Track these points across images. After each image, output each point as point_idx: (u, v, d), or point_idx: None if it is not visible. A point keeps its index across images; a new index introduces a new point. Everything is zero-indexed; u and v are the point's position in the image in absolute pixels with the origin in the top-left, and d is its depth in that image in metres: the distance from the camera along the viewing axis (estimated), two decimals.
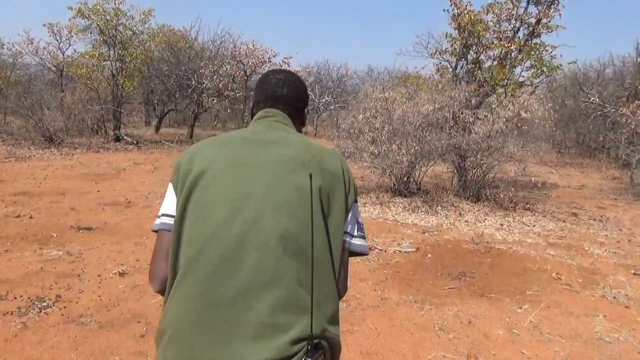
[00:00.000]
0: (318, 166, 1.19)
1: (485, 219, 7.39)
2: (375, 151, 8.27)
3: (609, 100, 18.88)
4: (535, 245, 5.97)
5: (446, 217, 7.41)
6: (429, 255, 5.29)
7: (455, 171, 8.86)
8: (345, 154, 8.94)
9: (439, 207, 7.90)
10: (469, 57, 9.36)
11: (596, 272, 5.02)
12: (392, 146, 8.04)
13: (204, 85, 16.55)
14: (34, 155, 11.84)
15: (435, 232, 6.40)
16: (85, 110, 15.34)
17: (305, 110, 1.47)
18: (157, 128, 22.03)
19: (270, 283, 1.07)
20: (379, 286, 4.32)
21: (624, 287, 4.63)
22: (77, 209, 6.55)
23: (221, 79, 14.54)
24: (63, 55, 18.57)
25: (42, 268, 4.23)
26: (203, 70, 14.99)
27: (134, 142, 16.03)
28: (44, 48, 18.26)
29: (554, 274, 4.81)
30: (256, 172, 1.16)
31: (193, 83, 17.06)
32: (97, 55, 15.81)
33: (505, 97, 8.95)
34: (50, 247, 4.82)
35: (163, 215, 1.22)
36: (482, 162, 7.87)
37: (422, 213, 7.58)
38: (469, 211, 7.77)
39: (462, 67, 9.63)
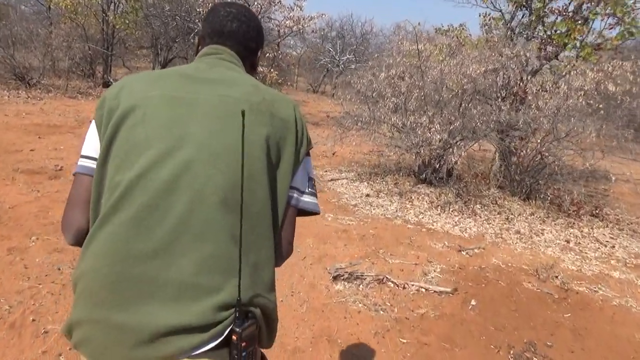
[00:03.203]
0: (267, 111, 1.03)
1: (543, 229, 5.37)
2: (399, 123, 6.20)
3: None
4: (629, 286, 3.97)
5: (488, 222, 5.40)
6: (472, 303, 3.33)
7: (501, 156, 6.77)
8: (358, 123, 6.90)
9: (478, 205, 5.88)
10: (532, 5, 7.05)
11: None
12: (422, 118, 5.96)
13: None
14: None
15: (476, 251, 4.42)
16: (67, 48, 13.32)
17: (259, 53, 1.25)
18: None
19: (198, 237, 0.90)
20: None
21: None
22: None
23: None
24: None
25: None
26: (201, 10, 12.75)
27: None
28: None
29: None
30: (195, 112, 0.98)
31: (197, 27, 14.87)
32: None
33: (577, 61, 6.71)
34: None
35: (83, 157, 1.03)
36: (543, 148, 5.76)
37: (456, 213, 5.58)
38: (519, 215, 5.74)
39: (520, 19, 7.33)
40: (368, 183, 6.53)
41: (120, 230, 0.90)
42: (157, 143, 0.94)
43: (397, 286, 3.42)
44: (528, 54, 5.93)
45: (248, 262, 0.92)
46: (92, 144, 1.03)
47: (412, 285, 3.45)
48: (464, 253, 4.32)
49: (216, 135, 0.96)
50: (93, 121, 1.03)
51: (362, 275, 3.49)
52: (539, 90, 5.80)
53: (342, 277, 3.43)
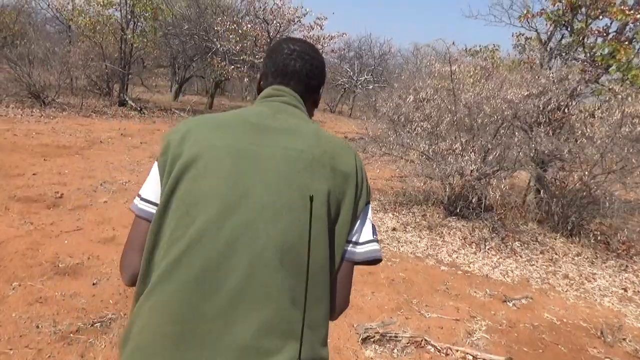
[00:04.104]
0: (329, 164, 1.01)
1: (594, 273, 4.75)
2: (429, 150, 5.68)
3: None
4: None
5: (531, 264, 4.81)
6: None
7: (540, 188, 6.18)
8: (383, 148, 6.40)
9: (517, 243, 5.30)
10: (574, 25, 6.54)
11: None
12: (455, 145, 5.44)
13: (226, 48, 14.02)
14: (3, 115, 9.75)
15: (524, 301, 3.84)
16: (84, 66, 13.18)
17: (321, 90, 1.26)
18: (176, 95, 19.88)
19: (258, 301, 0.90)
20: None
21: None
22: None
23: (239, 40, 11.96)
24: (73, 3, 16.42)
25: None
26: (219, 28, 12.47)
27: (138, 108, 13.87)
28: None
29: None
30: (257, 166, 0.97)
31: (215, 46, 14.63)
32: (103, 2, 13.53)
33: (622, 84, 6.16)
34: None
35: (142, 199, 1.04)
36: (592, 181, 5.17)
37: (493, 252, 5.00)
38: (564, 255, 5.13)
39: (559, 40, 6.81)
40: (393, 214, 5.99)
41: (183, 289, 0.89)
42: (219, 199, 0.93)
43: (439, 351, 2.87)
44: (577, 78, 5.38)
45: (307, 324, 0.92)
46: (152, 189, 1.03)
47: (457, 350, 2.88)
48: (510, 304, 3.74)
49: (278, 193, 0.94)
50: (156, 164, 1.04)
51: (396, 337, 2.94)
52: (586, 116, 5.25)
53: (372, 339, 2.89)
